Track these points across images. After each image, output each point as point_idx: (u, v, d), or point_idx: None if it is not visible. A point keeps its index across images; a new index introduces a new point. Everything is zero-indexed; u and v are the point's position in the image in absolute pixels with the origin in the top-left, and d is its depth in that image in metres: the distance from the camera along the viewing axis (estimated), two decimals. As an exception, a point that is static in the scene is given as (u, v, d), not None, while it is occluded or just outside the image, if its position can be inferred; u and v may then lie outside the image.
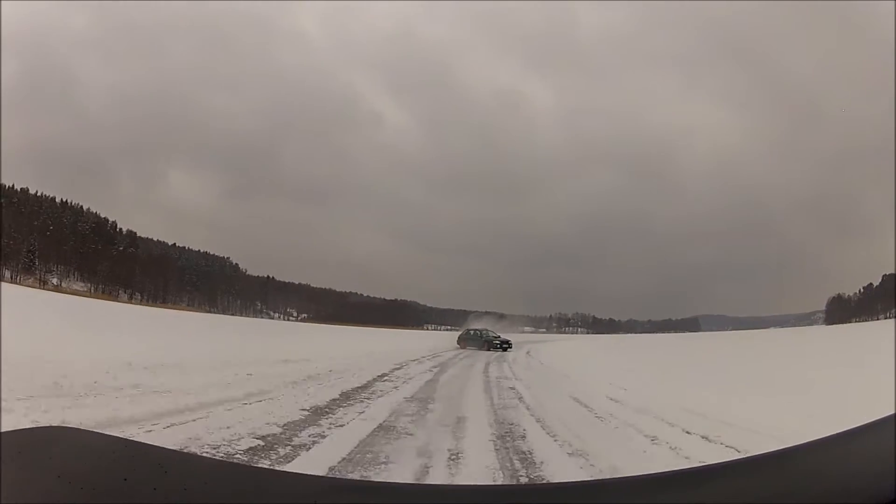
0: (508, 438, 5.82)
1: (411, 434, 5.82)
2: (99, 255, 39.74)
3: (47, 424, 1.26)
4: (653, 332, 52.01)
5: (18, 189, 40.19)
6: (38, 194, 41.69)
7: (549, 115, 72.02)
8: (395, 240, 77.60)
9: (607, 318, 57.93)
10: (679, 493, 0.96)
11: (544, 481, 3.73)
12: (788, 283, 68.03)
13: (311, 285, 55.03)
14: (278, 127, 67.24)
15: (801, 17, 68.51)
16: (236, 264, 51.45)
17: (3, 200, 37.06)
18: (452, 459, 4.78)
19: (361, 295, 56.33)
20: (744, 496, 0.90)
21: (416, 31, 75.28)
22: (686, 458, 5.07)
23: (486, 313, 55.77)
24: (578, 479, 3.33)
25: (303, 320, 51.14)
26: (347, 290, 57.19)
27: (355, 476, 3.67)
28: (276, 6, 61.41)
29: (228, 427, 5.47)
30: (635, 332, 52.48)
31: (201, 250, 49.78)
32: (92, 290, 38.56)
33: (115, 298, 38.39)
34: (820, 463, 0.99)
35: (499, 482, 3.82)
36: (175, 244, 47.88)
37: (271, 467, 1.48)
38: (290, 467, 4.09)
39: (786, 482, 0.92)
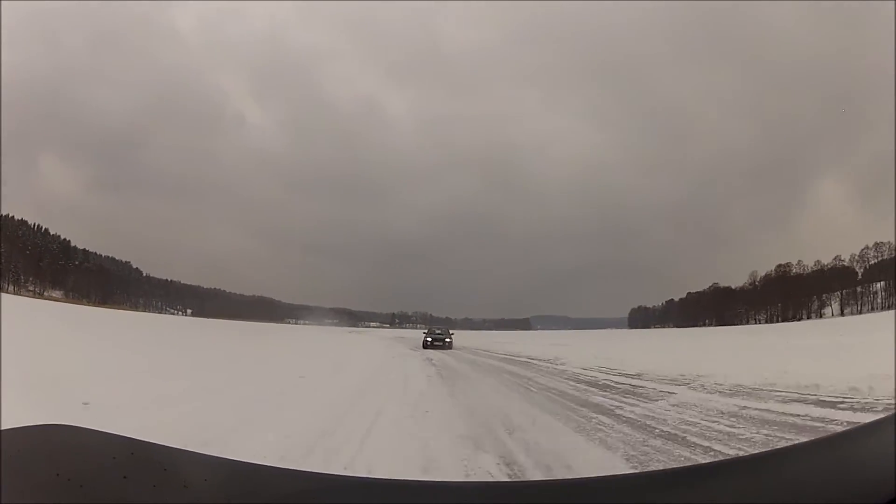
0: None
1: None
2: (66, 270, 53.10)
3: (48, 423, 1.16)
4: (487, 330, 56.27)
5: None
6: (11, 217, 48.92)
7: (409, 121, 72.10)
8: (254, 237, 76.54)
9: (444, 317, 60.14)
10: (679, 492, 0.96)
11: (543, 479, 3.56)
12: (635, 287, 67.55)
13: (181, 282, 57.65)
14: (145, 123, 66.17)
15: (672, 40, 67.77)
16: (137, 268, 56.33)
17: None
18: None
19: (224, 291, 58.99)
20: (743, 495, 0.91)
21: (285, 35, 73.21)
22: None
23: (335, 310, 59.63)
24: (578, 477, 3.22)
25: (191, 315, 55.49)
26: (212, 287, 59.17)
27: (355, 472, 3.63)
28: (155, 4, 57.28)
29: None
30: (470, 330, 54.25)
31: (107, 255, 54.20)
32: (67, 297, 49.77)
33: (82, 303, 49.08)
34: (820, 463, 1.00)
35: (497, 479, 3.74)
36: (86, 249, 53.34)
37: (271, 464, 1.18)
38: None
39: (785, 482, 0.92)
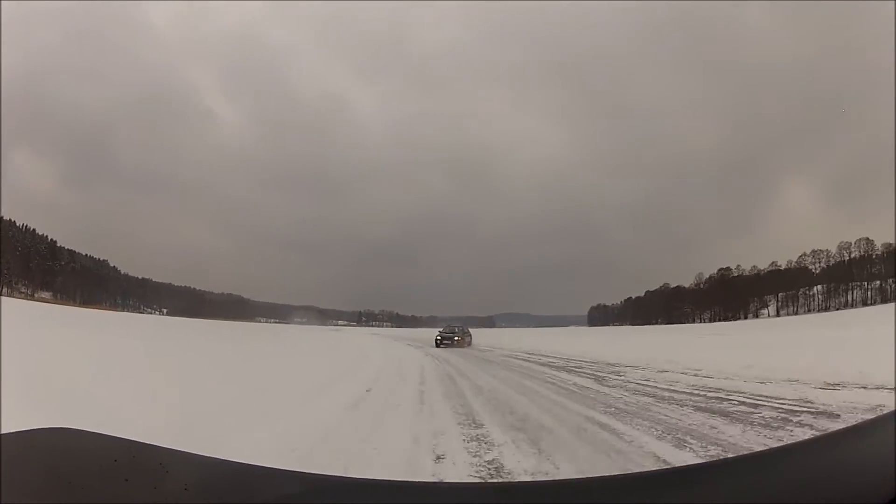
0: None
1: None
2: (53, 271, 51.83)
3: (49, 426, 1.15)
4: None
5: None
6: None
7: (378, 120, 74.42)
8: (223, 234, 77.09)
9: (410, 315, 64.28)
10: (679, 492, 0.97)
11: (541, 479, 3.67)
12: (597, 285, 73.81)
13: (153, 280, 57.26)
14: (117, 120, 68.49)
15: (640, 42, 72.63)
16: (115, 266, 56.14)
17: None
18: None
19: (195, 289, 58.26)
20: (744, 495, 0.91)
21: (257, 32, 75.69)
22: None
23: (303, 308, 60.95)
24: (578, 477, 3.29)
25: (166, 314, 54.64)
26: (183, 285, 58.25)
27: (355, 474, 3.63)
28: (128, 2, 59.01)
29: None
30: (434, 327, 55.39)
31: (86, 254, 54.41)
32: (56, 298, 49.74)
33: (68, 304, 48.15)
34: (820, 462, 1.00)
35: (494, 480, 3.79)
36: (71, 249, 53.09)
37: (272, 466, 1.14)
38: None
39: (785, 481, 0.93)
